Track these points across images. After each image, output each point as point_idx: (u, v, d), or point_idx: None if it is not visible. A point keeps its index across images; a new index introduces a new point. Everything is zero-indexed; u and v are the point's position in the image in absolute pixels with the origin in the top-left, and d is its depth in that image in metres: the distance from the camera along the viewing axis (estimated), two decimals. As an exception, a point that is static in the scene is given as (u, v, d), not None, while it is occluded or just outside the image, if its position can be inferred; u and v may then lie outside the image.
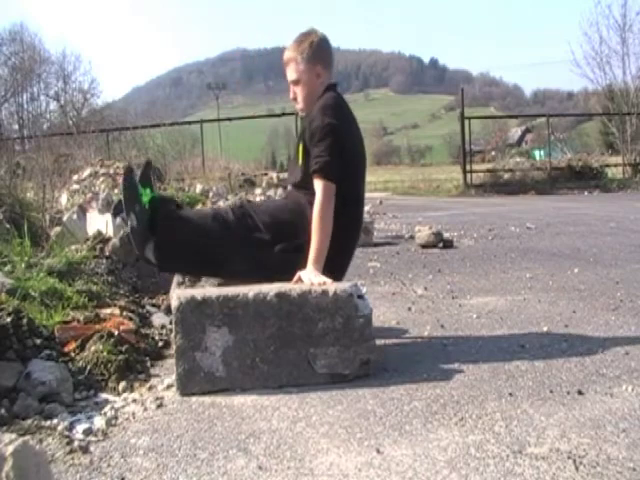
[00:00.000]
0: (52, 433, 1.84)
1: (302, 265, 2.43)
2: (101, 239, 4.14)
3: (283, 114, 20.32)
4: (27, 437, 1.34)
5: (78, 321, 2.69)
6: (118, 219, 5.41)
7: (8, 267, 3.33)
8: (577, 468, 1.51)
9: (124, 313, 3.02)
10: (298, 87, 2.70)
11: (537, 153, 26.66)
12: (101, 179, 9.84)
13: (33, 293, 2.91)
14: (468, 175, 16.43)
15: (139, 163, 11.56)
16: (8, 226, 4.20)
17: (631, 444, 1.62)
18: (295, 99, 2.73)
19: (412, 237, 6.48)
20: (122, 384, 2.26)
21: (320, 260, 2.44)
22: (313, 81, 2.66)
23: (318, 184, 2.50)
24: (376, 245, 6.20)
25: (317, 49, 2.66)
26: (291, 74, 2.70)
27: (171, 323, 2.37)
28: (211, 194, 10.00)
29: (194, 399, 2.11)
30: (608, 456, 1.56)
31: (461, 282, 4.11)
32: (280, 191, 10.73)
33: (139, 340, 2.67)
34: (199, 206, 8.77)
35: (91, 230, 4.79)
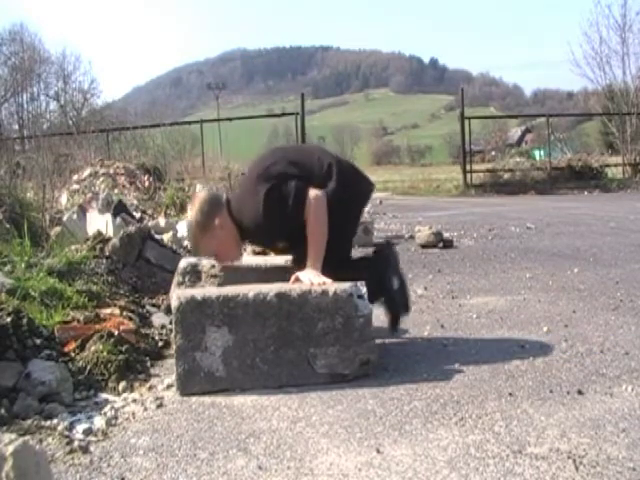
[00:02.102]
0: (52, 433, 1.84)
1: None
2: (101, 239, 4.14)
3: (283, 114, 20.33)
4: (27, 437, 1.34)
5: (78, 321, 2.69)
6: (118, 219, 5.43)
7: (8, 267, 3.33)
8: (577, 468, 1.51)
9: (124, 313, 3.02)
10: (220, 255, 2.67)
11: (537, 153, 26.62)
12: (101, 179, 9.84)
13: (33, 293, 2.91)
14: (468, 175, 16.43)
15: (139, 163, 11.58)
16: (8, 226, 4.20)
17: (631, 444, 1.62)
18: (226, 260, 2.70)
19: (412, 237, 6.48)
20: (122, 384, 2.26)
21: (318, 260, 2.44)
22: (221, 234, 2.58)
23: (308, 211, 2.45)
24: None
25: (203, 215, 2.58)
26: (210, 255, 2.67)
27: (171, 323, 2.37)
28: (211, 194, 9.98)
29: (194, 399, 2.11)
30: (608, 456, 1.56)
31: (461, 282, 4.11)
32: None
33: (139, 340, 2.68)
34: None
35: (91, 230, 4.79)
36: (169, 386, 2.25)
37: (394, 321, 2.69)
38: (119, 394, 2.21)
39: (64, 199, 7.18)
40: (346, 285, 2.29)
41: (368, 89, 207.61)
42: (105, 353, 2.37)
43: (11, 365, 2.16)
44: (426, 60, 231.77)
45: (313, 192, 2.46)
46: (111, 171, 10.37)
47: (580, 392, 2.01)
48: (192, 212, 2.63)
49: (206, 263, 2.94)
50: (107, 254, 3.91)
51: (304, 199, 2.44)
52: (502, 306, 3.36)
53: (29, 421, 1.90)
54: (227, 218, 2.59)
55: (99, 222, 5.10)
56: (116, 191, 8.84)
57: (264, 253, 3.03)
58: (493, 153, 28.54)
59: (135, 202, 8.30)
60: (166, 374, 2.40)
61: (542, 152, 23.74)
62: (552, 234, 6.54)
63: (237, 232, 2.60)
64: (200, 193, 2.71)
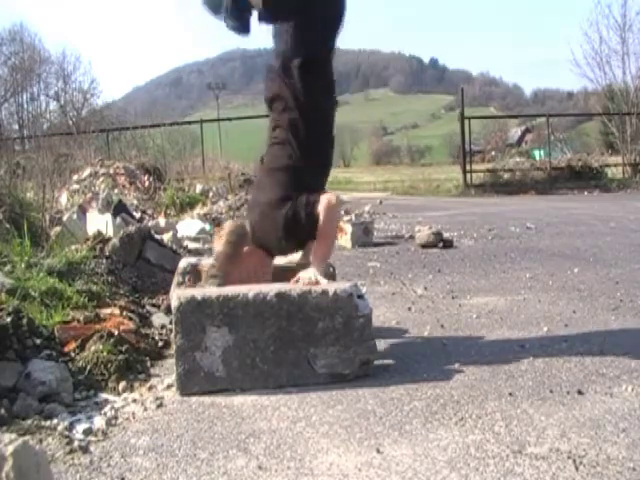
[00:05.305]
0: (52, 433, 1.84)
1: None
2: (101, 239, 4.14)
3: (283, 114, 20.22)
4: (27, 437, 1.34)
5: (78, 321, 2.69)
6: (118, 219, 5.43)
7: (8, 267, 3.33)
8: (577, 468, 1.51)
9: (124, 313, 3.02)
10: (253, 282, 2.53)
11: (537, 153, 26.59)
12: (101, 179, 9.85)
13: (33, 293, 2.91)
14: (468, 175, 16.42)
15: (139, 163, 11.58)
16: (8, 226, 4.20)
17: (631, 444, 1.62)
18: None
19: (412, 237, 6.48)
20: (122, 384, 2.26)
21: (324, 262, 2.49)
22: (251, 262, 2.61)
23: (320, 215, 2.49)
24: (376, 245, 6.20)
25: (232, 246, 2.59)
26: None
27: (171, 323, 2.37)
28: (211, 194, 10.01)
29: (194, 399, 2.11)
30: (608, 456, 1.56)
31: (461, 282, 4.11)
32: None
33: (139, 340, 2.68)
34: (199, 206, 8.79)
35: (91, 230, 4.79)
36: (169, 386, 2.25)
37: None
38: (119, 394, 2.21)
39: (64, 199, 7.19)
40: (346, 285, 2.29)
41: (368, 89, 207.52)
42: (105, 353, 2.37)
43: (11, 365, 2.16)
44: (426, 60, 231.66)
45: (324, 198, 2.47)
46: (111, 171, 10.38)
47: (580, 392, 2.01)
48: (220, 245, 2.62)
49: (206, 263, 2.94)
50: (107, 254, 3.91)
51: (316, 212, 2.45)
52: (502, 306, 3.36)
53: (29, 421, 1.90)
54: (253, 246, 2.60)
55: (99, 222, 5.10)
56: (116, 191, 8.85)
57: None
58: (493, 153, 28.55)
59: (135, 202, 8.31)
60: (166, 374, 2.40)
61: (542, 152, 23.72)
62: (552, 234, 6.54)
63: (265, 255, 2.61)
64: (225, 225, 2.74)
